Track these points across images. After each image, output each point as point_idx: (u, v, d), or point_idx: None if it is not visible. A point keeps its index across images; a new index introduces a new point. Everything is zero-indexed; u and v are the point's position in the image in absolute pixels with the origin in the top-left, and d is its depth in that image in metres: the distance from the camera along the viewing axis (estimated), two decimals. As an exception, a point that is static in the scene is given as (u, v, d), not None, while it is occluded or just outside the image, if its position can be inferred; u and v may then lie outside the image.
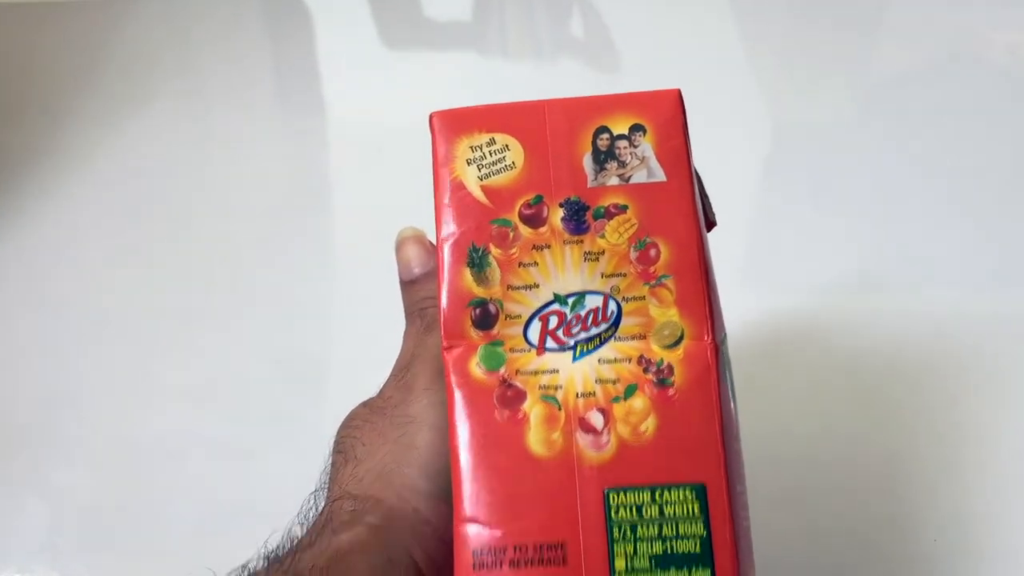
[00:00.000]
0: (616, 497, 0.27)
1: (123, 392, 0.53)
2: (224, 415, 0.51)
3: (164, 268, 0.61)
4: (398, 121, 0.73)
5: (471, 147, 0.32)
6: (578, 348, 0.29)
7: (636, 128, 0.32)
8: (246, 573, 0.27)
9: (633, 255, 0.30)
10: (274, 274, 0.60)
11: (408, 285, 0.34)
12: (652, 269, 0.30)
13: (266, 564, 0.27)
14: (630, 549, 0.26)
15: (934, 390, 0.50)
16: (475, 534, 0.27)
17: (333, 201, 0.69)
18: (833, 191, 0.63)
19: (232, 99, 0.76)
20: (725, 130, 0.69)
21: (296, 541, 0.28)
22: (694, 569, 0.26)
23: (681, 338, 0.29)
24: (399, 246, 0.35)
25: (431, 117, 0.32)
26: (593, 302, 0.29)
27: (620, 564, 0.26)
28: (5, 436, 0.51)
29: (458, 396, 0.28)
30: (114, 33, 0.85)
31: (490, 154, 0.32)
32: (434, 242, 0.32)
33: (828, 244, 0.59)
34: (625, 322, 0.29)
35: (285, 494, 0.48)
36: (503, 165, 0.32)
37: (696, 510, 0.27)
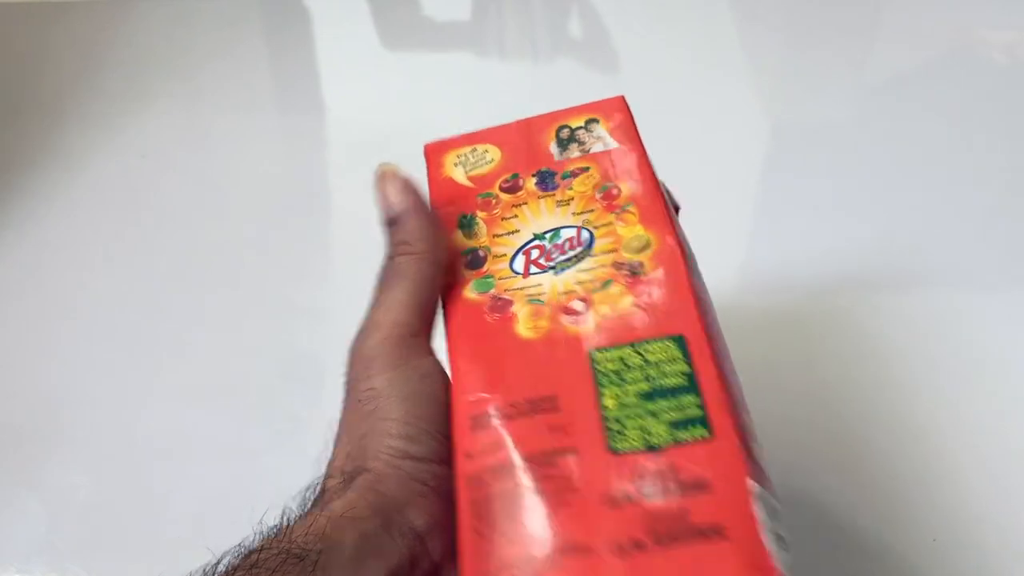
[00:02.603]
0: (600, 354, 0.29)
1: (123, 392, 0.53)
2: (224, 415, 0.51)
3: (164, 268, 0.61)
4: (397, 121, 0.73)
5: (457, 155, 0.38)
6: (558, 266, 0.32)
7: (591, 120, 0.38)
8: (242, 549, 0.27)
9: (598, 196, 0.34)
10: (274, 274, 0.60)
11: (388, 227, 0.34)
12: (616, 203, 0.34)
13: (260, 539, 0.27)
14: (617, 390, 0.28)
15: (934, 390, 0.50)
16: (471, 402, 0.29)
17: (332, 200, 0.69)
18: (833, 191, 0.63)
19: (231, 99, 0.76)
20: (724, 130, 0.69)
21: (290, 516, 0.28)
22: (682, 396, 0.27)
23: (648, 244, 0.32)
24: (376, 184, 0.34)
25: (424, 148, 0.38)
26: (568, 233, 0.33)
27: (610, 403, 0.28)
28: (4, 436, 0.51)
29: (453, 312, 0.32)
30: (114, 33, 0.85)
31: (473, 157, 0.38)
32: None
33: (828, 244, 0.59)
34: (598, 243, 0.33)
35: (285, 494, 0.48)
36: (484, 161, 0.37)
37: (678, 354, 0.28)
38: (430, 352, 0.31)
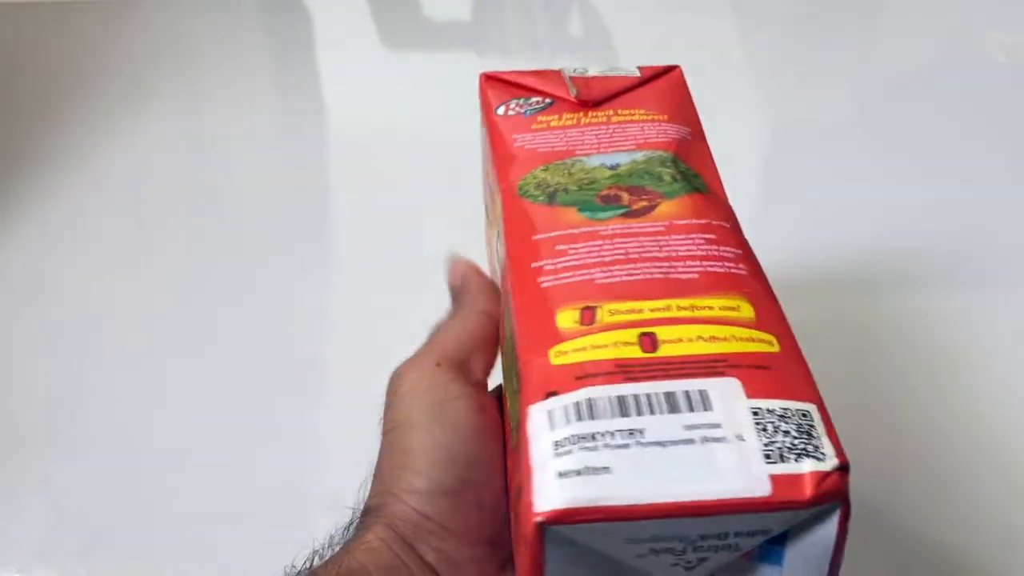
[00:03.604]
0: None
1: (123, 392, 0.53)
2: (224, 415, 0.51)
3: (164, 268, 0.61)
4: (397, 121, 0.73)
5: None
6: None
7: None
8: None
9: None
10: (274, 274, 0.60)
11: (453, 296, 0.34)
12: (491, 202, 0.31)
13: None
14: (510, 395, 0.26)
15: (934, 390, 0.50)
16: None
17: (332, 201, 0.69)
18: (833, 191, 0.63)
19: (232, 99, 0.76)
20: (724, 130, 0.69)
21: (319, 557, 0.29)
22: (511, 354, 0.25)
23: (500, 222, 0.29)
24: (447, 271, 0.35)
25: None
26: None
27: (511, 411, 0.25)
28: (5, 436, 0.51)
29: None
30: (114, 33, 0.85)
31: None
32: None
33: (828, 244, 0.59)
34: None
35: (285, 494, 0.48)
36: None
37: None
38: (461, 380, 0.30)
